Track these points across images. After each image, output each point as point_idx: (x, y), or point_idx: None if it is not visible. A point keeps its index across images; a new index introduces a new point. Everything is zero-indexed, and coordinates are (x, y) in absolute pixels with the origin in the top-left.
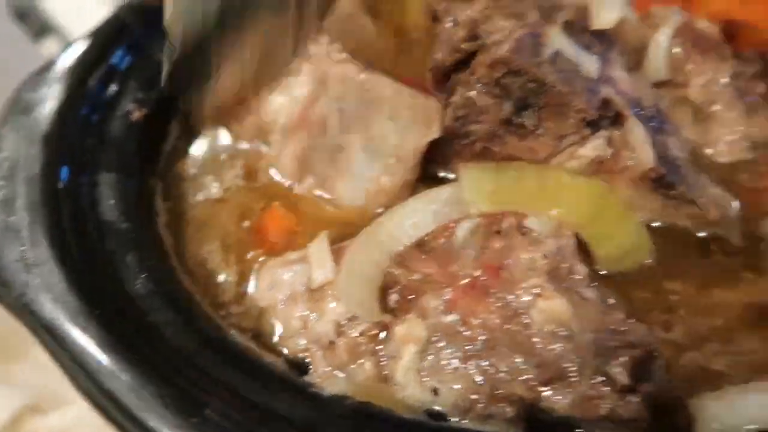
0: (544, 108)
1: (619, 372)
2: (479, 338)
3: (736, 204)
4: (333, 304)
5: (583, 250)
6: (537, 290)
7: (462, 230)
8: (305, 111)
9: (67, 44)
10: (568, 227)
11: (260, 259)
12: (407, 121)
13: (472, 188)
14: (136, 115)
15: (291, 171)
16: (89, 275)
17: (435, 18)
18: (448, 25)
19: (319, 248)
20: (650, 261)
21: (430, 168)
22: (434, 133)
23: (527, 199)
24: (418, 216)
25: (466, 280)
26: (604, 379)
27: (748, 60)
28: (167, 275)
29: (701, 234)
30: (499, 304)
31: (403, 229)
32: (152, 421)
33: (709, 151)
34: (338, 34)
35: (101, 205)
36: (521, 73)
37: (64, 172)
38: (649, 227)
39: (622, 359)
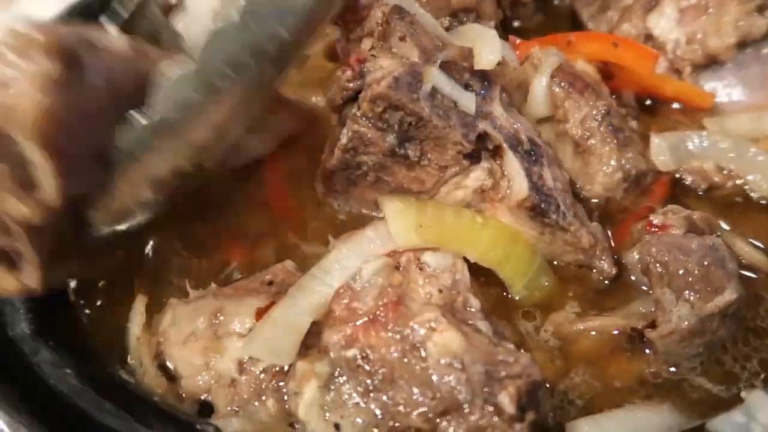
0: (426, 140)
1: (507, 402)
2: (378, 372)
3: (606, 234)
4: (235, 341)
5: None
6: (432, 324)
7: (367, 270)
8: None
9: None
10: (484, 263)
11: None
12: None
13: (399, 223)
14: None
15: None
16: None
17: (333, 56)
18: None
19: None
20: (549, 291)
21: (329, 199)
22: None
23: (448, 238)
24: (345, 260)
25: (367, 317)
26: (493, 408)
27: (624, 99)
28: (55, 315)
29: (579, 264)
30: (397, 338)
31: (335, 274)
32: None
33: (587, 185)
34: None
35: None
36: (399, 108)
37: None
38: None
39: (509, 389)
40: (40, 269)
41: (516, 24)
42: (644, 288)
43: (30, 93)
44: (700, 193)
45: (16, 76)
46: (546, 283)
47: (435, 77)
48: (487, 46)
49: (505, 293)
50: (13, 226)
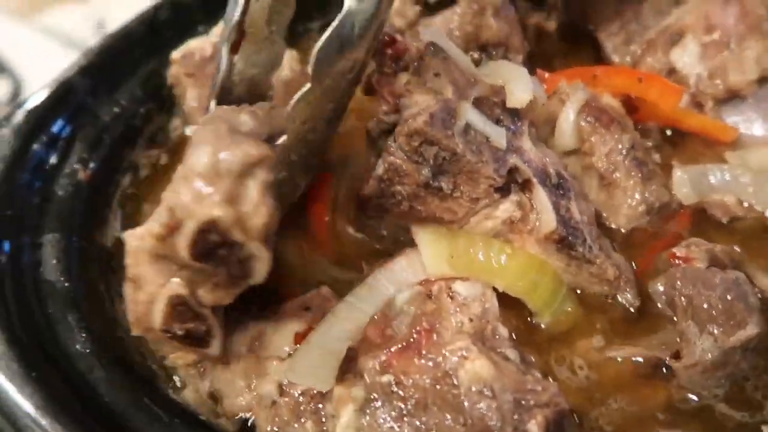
0: (459, 174)
1: (535, 430)
2: (412, 398)
3: (630, 266)
4: (275, 364)
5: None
6: (464, 352)
7: (401, 298)
8: None
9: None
10: (512, 292)
11: None
12: None
13: (432, 254)
14: (82, 174)
15: None
16: (29, 338)
17: (369, 90)
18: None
19: None
20: (574, 319)
21: (365, 220)
22: None
23: (478, 269)
24: (380, 287)
25: (401, 344)
26: None
27: (648, 132)
28: (108, 334)
29: (604, 295)
30: (430, 365)
31: (369, 302)
32: None
33: (611, 217)
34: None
35: (44, 266)
36: (434, 143)
37: (7, 236)
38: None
39: (538, 418)
40: (222, 338)
41: (538, 51)
42: (669, 316)
43: (259, 202)
44: (724, 222)
45: (247, 193)
46: (569, 309)
47: (468, 114)
48: (519, 85)
49: (529, 318)
50: (204, 310)
